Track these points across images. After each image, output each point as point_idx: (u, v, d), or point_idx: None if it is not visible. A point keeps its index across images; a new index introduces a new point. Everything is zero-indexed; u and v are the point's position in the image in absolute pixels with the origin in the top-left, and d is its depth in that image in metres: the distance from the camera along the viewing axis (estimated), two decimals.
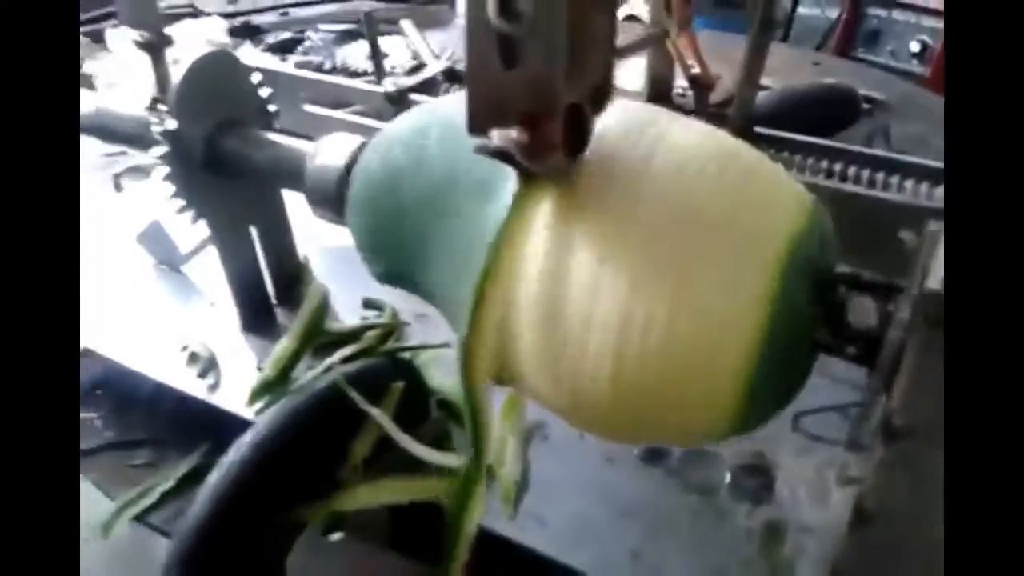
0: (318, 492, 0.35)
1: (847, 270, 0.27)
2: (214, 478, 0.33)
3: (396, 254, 0.32)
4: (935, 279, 0.21)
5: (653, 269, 0.25)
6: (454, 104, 0.30)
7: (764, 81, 0.91)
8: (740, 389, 0.25)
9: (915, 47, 1.99)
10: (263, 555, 0.34)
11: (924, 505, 0.23)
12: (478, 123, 0.25)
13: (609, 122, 0.27)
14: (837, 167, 0.49)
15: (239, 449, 0.34)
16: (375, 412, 0.37)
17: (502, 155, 0.24)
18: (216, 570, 0.33)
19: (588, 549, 0.34)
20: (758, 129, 0.49)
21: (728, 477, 0.37)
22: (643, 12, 0.62)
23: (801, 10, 3.12)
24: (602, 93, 0.27)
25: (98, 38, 0.99)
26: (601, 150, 0.26)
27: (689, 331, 0.24)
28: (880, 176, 0.49)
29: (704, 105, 0.49)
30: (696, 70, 0.47)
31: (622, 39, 0.55)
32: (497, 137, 0.24)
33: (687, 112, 0.49)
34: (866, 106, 0.81)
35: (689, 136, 0.27)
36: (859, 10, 2.11)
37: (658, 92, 0.50)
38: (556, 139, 0.24)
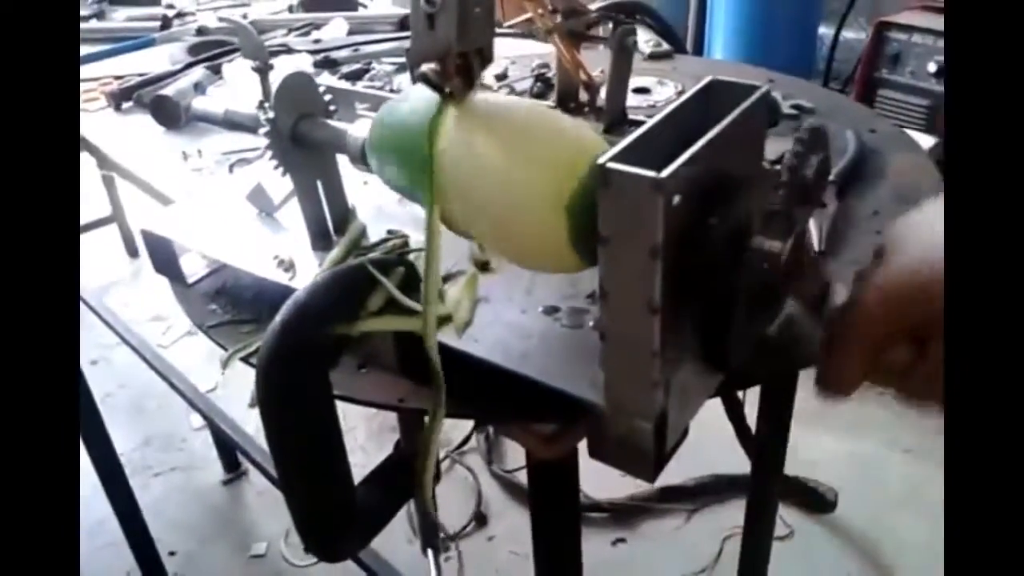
0: (347, 321, 0.61)
1: None
2: (285, 305, 0.59)
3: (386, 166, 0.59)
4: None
5: (504, 147, 0.51)
6: (416, 94, 0.57)
7: None
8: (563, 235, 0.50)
9: (932, 67, 2.16)
10: (312, 356, 0.60)
11: (628, 277, 0.47)
12: (415, 60, 0.51)
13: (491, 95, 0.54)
14: None
15: (302, 289, 0.60)
16: (384, 280, 0.63)
17: (426, 80, 0.50)
18: (285, 364, 0.59)
19: (500, 353, 0.59)
20: (632, 116, 0.73)
21: (592, 321, 0.61)
22: None
23: (847, 34, 3.27)
24: (485, 53, 0.53)
25: (216, 71, 1.30)
26: (483, 98, 0.53)
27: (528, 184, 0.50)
28: None
29: (593, 100, 0.73)
30: (583, 76, 0.72)
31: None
32: (424, 68, 0.50)
33: (584, 104, 0.74)
34: (794, 112, 1.03)
35: (532, 105, 0.53)
36: (881, 35, 2.29)
37: (565, 93, 0.75)
38: (452, 70, 0.50)
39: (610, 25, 0.77)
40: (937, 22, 2.13)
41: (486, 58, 0.53)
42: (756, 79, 1.19)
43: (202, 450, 2.35)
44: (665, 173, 0.43)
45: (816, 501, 1.96)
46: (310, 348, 0.59)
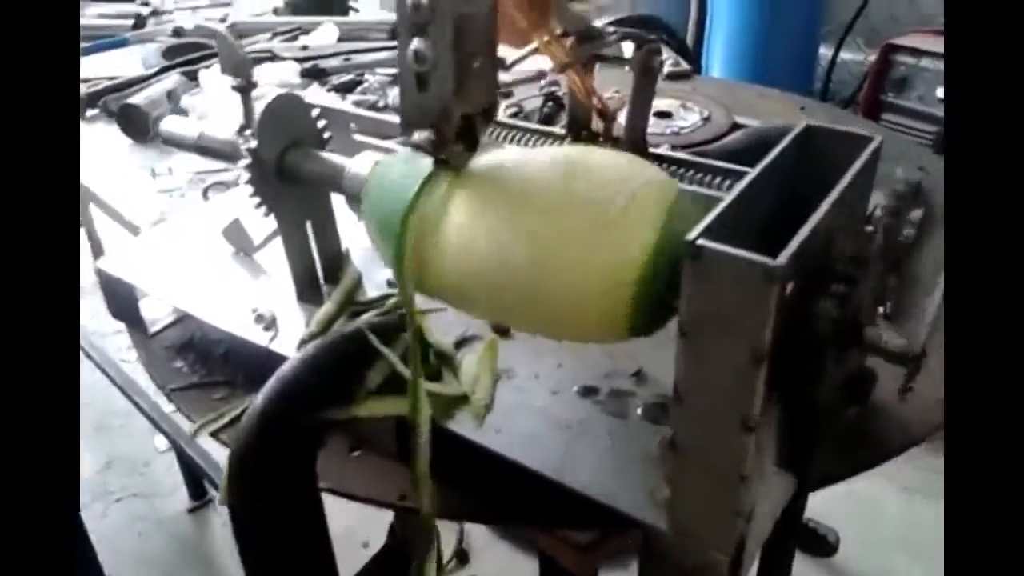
0: (342, 404, 0.50)
1: None
2: (268, 385, 0.48)
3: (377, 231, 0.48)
4: None
5: (508, 223, 0.40)
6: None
7: (752, 122, 1.04)
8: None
9: (941, 93, 2.09)
10: (298, 446, 0.49)
11: (717, 382, 0.37)
12: (406, 126, 0.40)
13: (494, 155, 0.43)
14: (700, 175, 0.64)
15: (289, 365, 0.49)
16: (387, 352, 0.52)
17: (419, 147, 0.39)
18: (265, 461, 0.48)
19: (532, 452, 0.48)
20: (652, 150, 0.63)
21: (640, 409, 0.51)
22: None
23: (844, 55, 3.20)
24: (489, 111, 0.42)
25: (192, 77, 1.18)
26: (495, 163, 0.42)
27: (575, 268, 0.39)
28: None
29: (608, 131, 0.62)
30: (597, 104, 0.60)
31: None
32: (416, 136, 0.40)
33: (597, 134, 0.63)
34: None
35: (546, 156, 0.43)
36: (888, 58, 2.21)
37: (576, 121, 0.64)
38: (451, 136, 0.39)
39: (625, 43, 0.67)
40: None
41: (490, 116, 0.43)
42: (786, 106, 1.07)
43: (167, 475, 2.20)
44: (782, 259, 0.32)
45: (816, 543, 1.86)
46: (295, 440, 0.48)
